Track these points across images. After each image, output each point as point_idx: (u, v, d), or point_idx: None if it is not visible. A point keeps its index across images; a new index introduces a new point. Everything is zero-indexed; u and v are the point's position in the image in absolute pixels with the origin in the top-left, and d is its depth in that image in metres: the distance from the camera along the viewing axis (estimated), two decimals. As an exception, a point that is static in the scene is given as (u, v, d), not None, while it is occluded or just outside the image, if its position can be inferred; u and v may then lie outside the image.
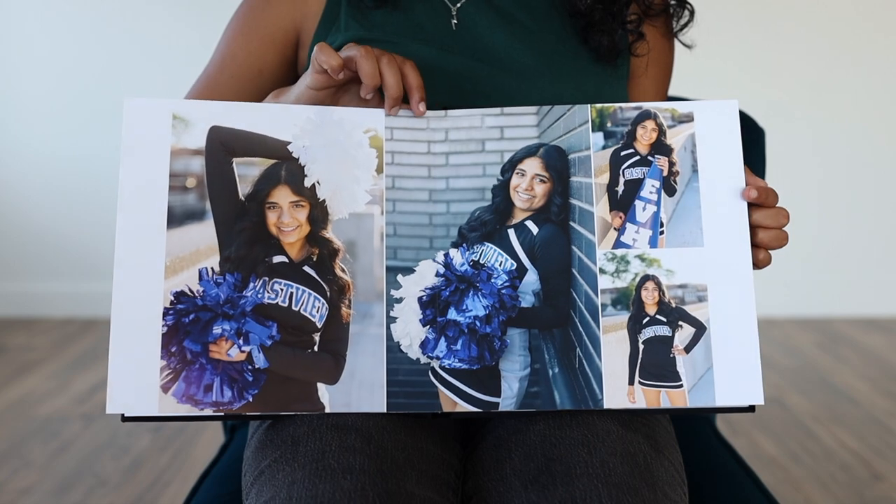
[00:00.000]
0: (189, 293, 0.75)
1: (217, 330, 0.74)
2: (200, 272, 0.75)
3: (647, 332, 0.76)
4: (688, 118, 0.79)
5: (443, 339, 0.77)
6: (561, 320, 0.77)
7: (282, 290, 0.76)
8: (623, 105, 0.79)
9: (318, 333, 0.77)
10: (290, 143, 0.78)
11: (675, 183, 0.78)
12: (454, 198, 0.79)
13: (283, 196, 0.77)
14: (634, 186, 0.78)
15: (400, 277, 0.78)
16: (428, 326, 0.77)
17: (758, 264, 0.78)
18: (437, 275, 0.78)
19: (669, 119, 0.79)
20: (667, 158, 0.78)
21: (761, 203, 0.77)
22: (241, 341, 0.75)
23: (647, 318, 0.76)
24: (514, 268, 0.78)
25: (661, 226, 0.77)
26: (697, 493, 0.89)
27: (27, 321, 2.94)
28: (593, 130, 0.79)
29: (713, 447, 1.08)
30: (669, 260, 0.77)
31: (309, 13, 0.97)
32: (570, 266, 0.78)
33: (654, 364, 0.75)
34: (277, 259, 0.76)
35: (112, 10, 2.85)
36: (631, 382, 0.75)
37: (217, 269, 0.75)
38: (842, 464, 1.88)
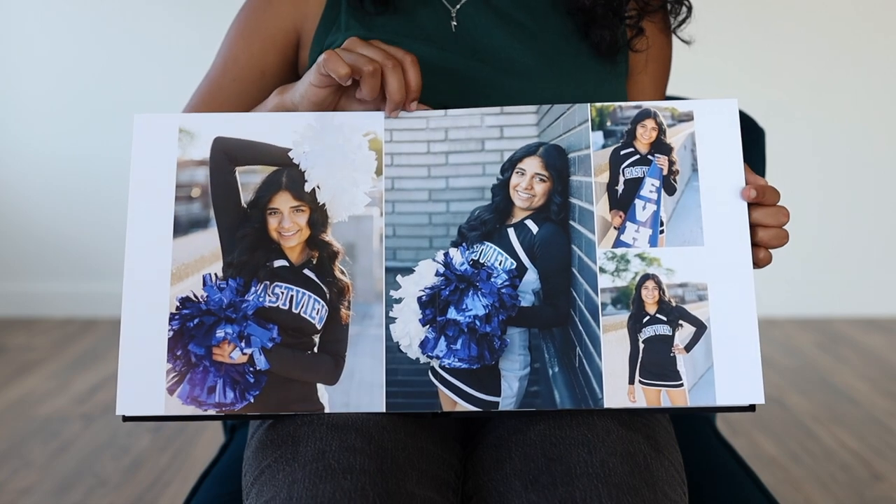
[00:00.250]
0: (194, 298, 0.77)
1: (220, 333, 0.76)
2: (204, 278, 0.77)
3: (648, 332, 0.76)
4: (687, 117, 0.79)
5: (442, 338, 0.77)
6: (561, 319, 0.77)
7: (282, 293, 0.77)
8: (623, 104, 0.80)
9: (318, 335, 0.77)
10: (290, 149, 0.79)
11: (675, 182, 0.78)
12: (454, 197, 0.79)
13: (283, 202, 0.78)
14: (634, 185, 0.78)
15: (399, 278, 0.78)
16: (427, 326, 0.77)
17: (758, 263, 0.78)
18: (437, 274, 0.78)
19: (669, 118, 0.79)
20: (667, 157, 0.78)
21: (761, 201, 0.77)
22: (242, 344, 0.76)
23: (648, 318, 0.76)
24: (513, 267, 0.78)
25: (661, 225, 0.77)
26: (697, 493, 0.89)
27: (27, 321, 2.94)
28: (593, 129, 0.79)
29: (713, 447, 1.08)
30: (669, 259, 0.77)
31: (309, 14, 0.97)
32: (569, 265, 0.78)
33: (655, 363, 0.75)
34: (278, 263, 0.78)
35: (112, 11, 2.85)
36: (631, 382, 0.75)
37: (220, 274, 0.77)
38: (842, 464, 1.89)
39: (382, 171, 0.79)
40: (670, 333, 0.76)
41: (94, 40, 2.87)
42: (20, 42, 2.87)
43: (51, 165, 2.94)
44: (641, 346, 0.76)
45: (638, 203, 0.78)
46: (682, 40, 1.01)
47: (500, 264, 0.78)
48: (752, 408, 0.75)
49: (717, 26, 2.47)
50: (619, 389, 0.75)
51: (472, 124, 0.81)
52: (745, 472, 1.02)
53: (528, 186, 0.79)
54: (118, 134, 2.58)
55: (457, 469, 0.80)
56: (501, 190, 0.79)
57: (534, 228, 0.79)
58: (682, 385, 0.75)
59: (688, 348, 0.76)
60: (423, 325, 0.77)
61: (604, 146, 0.79)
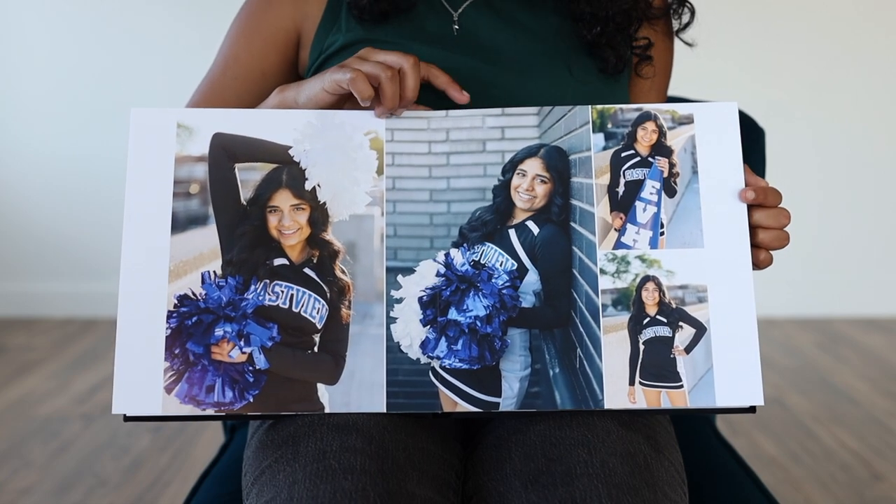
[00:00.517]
0: (192, 296, 0.76)
1: (219, 332, 0.76)
2: (203, 275, 0.76)
3: (648, 333, 0.76)
4: (688, 120, 0.79)
5: (443, 339, 0.77)
6: (561, 320, 0.77)
7: (282, 292, 0.77)
8: (624, 106, 0.80)
9: (318, 334, 0.77)
10: (290, 147, 0.79)
11: (676, 184, 0.78)
12: (455, 198, 0.79)
13: (284, 199, 0.78)
14: (635, 187, 0.78)
15: (400, 278, 0.78)
16: (428, 326, 0.77)
17: (759, 264, 0.78)
18: (438, 275, 0.78)
19: (670, 120, 0.79)
20: (667, 160, 0.78)
21: (762, 203, 0.77)
22: (242, 343, 0.76)
23: (648, 319, 0.76)
24: (514, 268, 0.78)
25: (662, 227, 0.77)
26: (697, 493, 0.89)
27: (27, 321, 2.94)
28: (594, 131, 0.79)
29: (713, 447, 1.08)
30: (670, 261, 0.77)
31: (310, 13, 0.97)
32: (570, 266, 0.78)
33: (655, 364, 0.75)
34: (278, 262, 0.77)
35: (112, 10, 2.85)
36: (631, 383, 0.75)
37: (219, 272, 0.77)
38: (842, 464, 1.89)
39: (383, 170, 0.79)
40: (670, 335, 0.76)
41: (94, 40, 2.87)
42: (20, 42, 2.87)
43: (51, 165, 2.94)
44: (642, 347, 0.76)
45: (638, 205, 0.78)
46: (686, 43, 1.01)
47: (500, 265, 0.78)
48: (752, 409, 0.75)
49: (718, 27, 2.46)
50: (619, 390, 0.75)
51: (474, 125, 0.81)
52: (745, 472, 1.02)
53: (530, 188, 0.79)
54: (118, 134, 2.57)
55: (457, 469, 0.80)
56: (502, 191, 0.79)
57: (535, 229, 0.79)
58: (682, 386, 0.75)
59: (688, 350, 0.76)
60: (424, 326, 0.77)
61: (604, 148, 0.79)
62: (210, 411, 0.75)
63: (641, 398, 0.75)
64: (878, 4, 2.88)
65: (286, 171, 0.79)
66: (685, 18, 0.99)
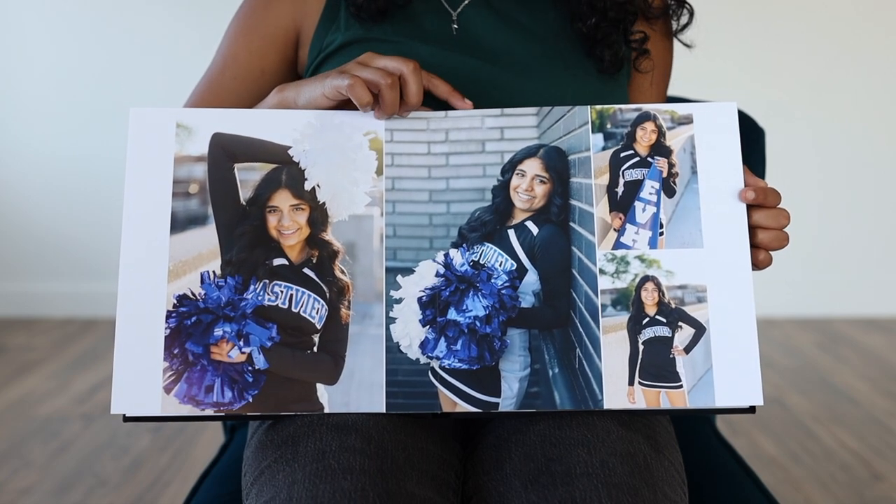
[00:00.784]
0: (191, 296, 0.76)
1: (218, 332, 0.76)
2: (202, 275, 0.76)
3: (647, 333, 0.76)
4: (687, 120, 0.79)
5: (443, 339, 0.77)
6: (561, 321, 0.77)
7: (282, 292, 0.77)
8: (623, 106, 0.80)
9: (318, 334, 0.77)
10: (290, 147, 0.79)
11: (675, 184, 0.78)
12: (454, 198, 0.79)
13: (283, 200, 0.78)
14: (634, 187, 0.78)
15: (399, 278, 0.78)
16: (428, 327, 0.77)
17: (758, 265, 0.78)
18: (437, 275, 0.78)
19: (669, 121, 0.79)
20: (666, 160, 0.78)
21: (761, 203, 0.77)
22: (241, 343, 0.75)
23: (647, 319, 0.76)
24: (514, 268, 0.78)
25: (661, 227, 0.77)
26: (697, 493, 0.89)
27: (27, 321, 2.94)
28: (593, 132, 0.79)
29: (713, 447, 1.08)
30: (669, 261, 0.77)
31: (309, 12, 0.97)
32: (570, 266, 0.78)
33: (654, 364, 0.75)
34: (278, 262, 0.77)
35: (112, 10, 2.85)
36: (631, 383, 0.75)
37: (218, 272, 0.77)
38: (842, 464, 1.89)
39: (383, 170, 0.79)
40: (670, 335, 0.76)
41: (94, 40, 2.87)
42: (20, 42, 2.87)
43: (51, 165, 2.94)
44: (641, 347, 0.76)
45: (638, 205, 0.78)
46: (684, 44, 1.01)
47: (500, 265, 0.78)
48: (752, 409, 0.75)
49: (717, 27, 2.46)
50: (618, 390, 0.75)
51: (473, 126, 0.81)
52: (745, 472, 1.02)
53: (529, 188, 0.79)
54: (118, 134, 2.57)
55: (457, 469, 0.80)
56: (502, 191, 0.79)
57: (534, 230, 0.79)
58: (681, 386, 0.75)
59: (687, 350, 0.76)
60: (424, 326, 0.77)
61: (604, 148, 0.79)
62: (209, 411, 0.74)
63: (641, 398, 0.75)
64: (878, 4, 2.88)
65: (286, 171, 0.79)
66: (684, 20, 0.99)
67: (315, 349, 0.77)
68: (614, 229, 0.77)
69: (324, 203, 0.79)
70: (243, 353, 0.75)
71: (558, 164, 0.79)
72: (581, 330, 0.77)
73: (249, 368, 0.75)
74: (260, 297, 0.76)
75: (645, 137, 0.79)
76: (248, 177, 0.79)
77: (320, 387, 0.76)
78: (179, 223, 0.77)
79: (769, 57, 2.87)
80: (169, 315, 0.75)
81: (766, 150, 1.19)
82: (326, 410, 0.76)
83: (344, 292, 0.78)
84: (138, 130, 0.79)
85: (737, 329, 0.76)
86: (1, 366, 2.52)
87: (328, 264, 0.78)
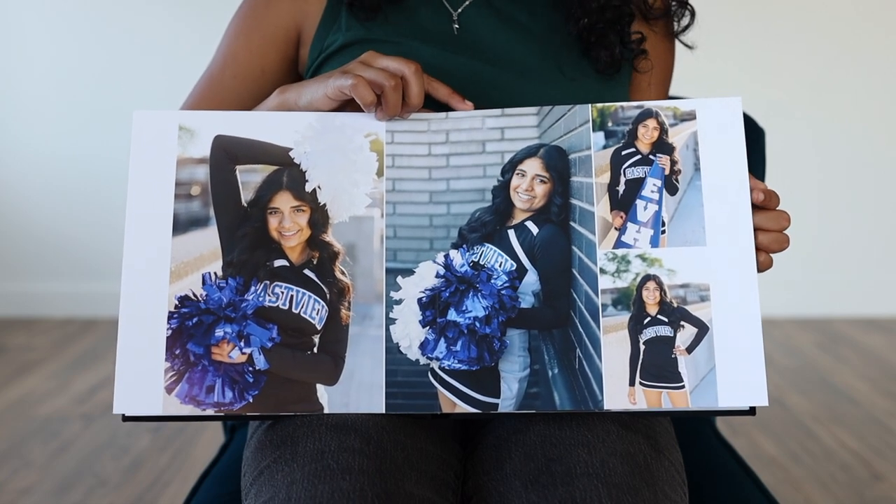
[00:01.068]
0: (193, 297, 0.76)
1: (219, 333, 0.76)
2: (204, 277, 0.77)
3: (649, 333, 0.75)
4: (690, 116, 0.78)
5: (442, 339, 0.77)
6: (561, 321, 0.77)
7: (282, 293, 0.77)
8: (624, 104, 0.79)
9: (318, 335, 0.77)
10: (291, 149, 0.79)
11: (677, 182, 0.77)
12: (454, 199, 0.79)
13: (284, 201, 0.78)
14: (635, 186, 0.77)
15: (399, 279, 0.78)
16: (428, 327, 0.77)
17: (758, 267, 0.77)
18: (437, 276, 0.78)
19: (671, 117, 0.78)
20: (668, 157, 0.77)
21: (763, 205, 0.77)
22: (242, 343, 0.76)
23: (649, 319, 0.75)
24: (513, 268, 0.78)
25: (663, 225, 0.77)
26: (697, 493, 0.89)
27: (27, 321, 2.94)
28: (594, 130, 0.78)
29: (713, 447, 1.08)
30: (671, 259, 0.76)
31: (310, 12, 0.97)
32: (570, 266, 0.78)
33: (656, 365, 0.74)
34: (278, 263, 0.77)
35: (112, 10, 2.85)
36: (632, 383, 0.74)
37: (220, 273, 0.77)
38: (842, 464, 1.89)
39: (384, 172, 0.79)
40: (671, 335, 0.75)
41: (95, 40, 2.87)
42: (20, 42, 2.87)
43: (51, 165, 2.94)
44: (642, 347, 0.75)
45: (639, 203, 0.77)
46: (685, 45, 1.01)
47: (500, 266, 0.78)
48: (751, 412, 0.74)
49: (718, 27, 2.46)
50: (619, 391, 0.74)
51: (473, 126, 0.80)
52: (745, 472, 1.02)
53: (529, 188, 0.79)
54: (118, 134, 2.57)
55: (456, 469, 0.80)
56: (502, 191, 0.79)
57: (534, 230, 0.78)
58: (683, 387, 0.74)
59: (689, 349, 0.75)
60: (424, 327, 0.77)
61: (605, 147, 0.78)
62: (210, 411, 0.75)
63: (642, 399, 0.74)
64: (878, 4, 2.88)
65: (287, 172, 0.79)
66: (685, 21, 0.99)
67: (315, 350, 0.77)
68: (615, 228, 0.77)
69: (324, 204, 0.79)
70: (244, 353, 0.76)
71: (559, 164, 0.79)
72: (581, 330, 0.76)
73: (250, 369, 0.75)
74: (261, 299, 0.77)
75: (647, 135, 0.78)
76: (250, 178, 0.79)
77: (320, 387, 0.76)
78: (181, 225, 0.78)
79: (769, 57, 2.87)
80: (171, 316, 0.76)
81: (766, 150, 1.19)
82: (326, 411, 0.76)
83: (344, 293, 0.78)
84: (141, 133, 0.79)
85: (741, 327, 0.74)
86: (1, 366, 2.52)
87: (328, 265, 0.78)
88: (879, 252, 3.01)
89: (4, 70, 2.89)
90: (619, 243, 0.76)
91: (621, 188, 0.77)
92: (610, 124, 0.78)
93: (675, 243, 0.76)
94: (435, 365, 0.77)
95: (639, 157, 0.78)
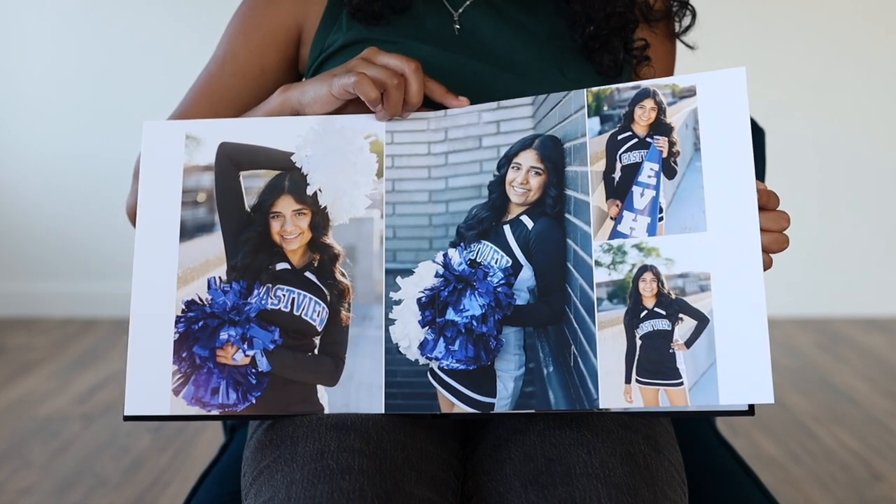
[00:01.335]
0: (199, 301, 0.78)
1: (224, 336, 0.77)
2: (209, 281, 0.78)
3: (645, 327, 0.71)
4: (689, 92, 0.72)
5: (441, 339, 0.77)
6: (555, 317, 0.75)
7: (284, 295, 0.78)
8: (620, 85, 0.75)
9: (319, 337, 0.78)
10: (293, 153, 0.80)
11: (676, 164, 0.72)
12: (453, 197, 0.79)
13: (286, 205, 0.79)
14: (632, 171, 0.73)
15: (399, 279, 0.78)
16: (427, 327, 0.77)
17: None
18: (437, 275, 0.78)
19: (670, 96, 0.73)
20: (666, 138, 0.72)
21: (763, 206, 0.75)
22: (245, 346, 0.77)
23: (645, 312, 0.71)
24: (509, 265, 0.76)
25: (661, 211, 0.71)
26: (697, 493, 0.89)
27: (27, 321, 2.94)
28: (589, 115, 0.75)
29: (713, 447, 1.08)
30: (669, 248, 0.71)
31: (311, 11, 0.97)
32: (565, 260, 0.75)
33: (653, 360, 0.70)
34: (280, 266, 0.78)
35: (112, 10, 2.85)
36: (628, 381, 0.70)
37: (224, 277, 0.78)
38: (842, 464, 1.89)
39: (383, 173, 0.80)
40: (669, 328, 0.70)
41: (95, 40, 2.87)
42: (20, 42, 2.87)
43: (51, 165, 2.94)
44: (639, 342, 0.71)
45: (636, 190, 0.72)
46: (687, 45, 1.01)
47: (496, 262, 0.77)
48: (750, 412, 0.70)
49: (718, 26, 2.46)
50: (614, 389, 0.70)
51: (470, 122, 0.80)
52: (745, 472, 1.02)
53: (524, 181, 0.77)
54: (118, 134, 2.58)
55: (456, 469, 0.80)
56: (498, 186, 0.78)
57: (529, 224, 0.77)
58: (681, 384, 0.69)
59: (688, 344, 0.69)
60: (423, 327, 0.77)
61: (600, 132, 0.74)
62: (215, 412, 0.76)
63: (638, 397, 0.70)
64: (878, 4, 2.88)
65: (288, 176, 0.80)
66: (686, 21, 0.99)
67: (316, 351, 0.77)
68: (611, 218, 0.73)
69: (325, 207, 0.79)
70: (247, 355, 0.77)
71: (553, 154, 0.77)
72: (576, 326, 0.74)
73: (253, 371, 0.76)
74: (263, 301, 0.78)
75: (644, 116, 0.73)
76: (253, 184, 0.80)
77: (320, 388, 0.77)
78: (188, 231, 0.79)
79: (769, 57, 2.87)
80: (178, 320, 0.77)
81: (766, 150, 1.19)
82: (327, 411, 0.76)
83: (344, 295, 0.78)
84: (151, 143, 0.81)
85: (744, 318, 0.68)
86: (1, 366, 2.52)
87: (329, 267, 0.79)
88: (879, 252, 3.01)
89: (4, 70, 2.89)
90: (614, 233, 0.72)
91: (617, 175, 0.73)
92: (606, 108, 0.75)
93: (674, 230, 0.71)
94: (434, 365, 0.77)
95: (635, 140, 0.73)
